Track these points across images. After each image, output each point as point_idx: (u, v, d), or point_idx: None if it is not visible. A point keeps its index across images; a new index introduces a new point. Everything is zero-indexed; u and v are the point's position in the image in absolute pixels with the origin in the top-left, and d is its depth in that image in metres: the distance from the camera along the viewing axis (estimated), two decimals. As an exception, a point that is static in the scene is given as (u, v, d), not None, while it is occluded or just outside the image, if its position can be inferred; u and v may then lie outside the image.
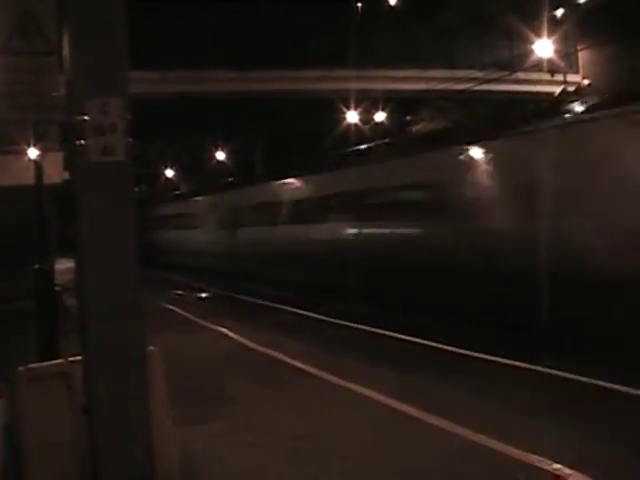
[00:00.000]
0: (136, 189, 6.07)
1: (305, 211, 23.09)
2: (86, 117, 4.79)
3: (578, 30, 30.89)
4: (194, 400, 9.06)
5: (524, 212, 13.13)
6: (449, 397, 9.03)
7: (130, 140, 4.90)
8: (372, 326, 14.53)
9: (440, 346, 12.20)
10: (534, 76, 30.81)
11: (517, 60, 30.15)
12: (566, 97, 23.08)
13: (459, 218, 15.02)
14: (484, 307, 13.69)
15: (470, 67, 30.07)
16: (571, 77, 31.29)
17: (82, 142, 4.80)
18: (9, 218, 18.25)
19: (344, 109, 31.76)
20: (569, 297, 11.66)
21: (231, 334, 14.64)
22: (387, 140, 25.70)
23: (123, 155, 4.87)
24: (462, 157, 15.39)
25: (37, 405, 5.44)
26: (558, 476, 6.13)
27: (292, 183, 25.13)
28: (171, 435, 5.71)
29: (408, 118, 36.25)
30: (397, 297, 17.00)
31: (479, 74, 28.63)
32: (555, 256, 12.03)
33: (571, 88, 29.40)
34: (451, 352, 11.77)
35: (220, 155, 45.31)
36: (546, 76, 30.62)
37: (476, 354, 11.31)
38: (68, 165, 5.54)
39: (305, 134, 36.61)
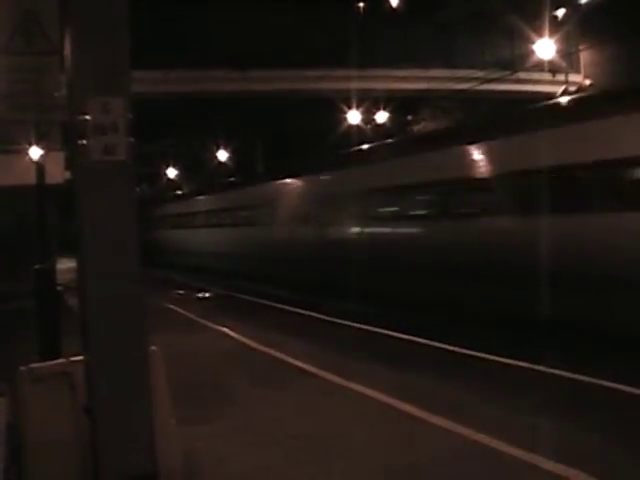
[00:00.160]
0: (137, 189, 6.08)
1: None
2: (88, 117, 4.79)
3: (579, 30, 30.90)
4: (196, 400, 9.06)
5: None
6: (450, 397, 9.04)
7: (132, 140, 4.90)
8: (373, 326, 14.53)
9: (441, 346, 12.20)
10: (535, 76, 30.83)
11: (518, 60, 30.17)
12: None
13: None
14: None
15: (471, 67, 30.09)
16: (572, 77, 31.29)
17: (84, 142, 4.80)
18: (11, 218, 18.27)
19: (345, 109, 31.77)
20: None
21: (232, 334, 14.64)
22: None
23: (125, 155, 4.88)
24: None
25: (39, 405, 5.44)
26: (560, 476, 6.14)
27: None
28: (173, 434, 5.72)
29: (409, 118, 36.27)
30: None
31: (480, 74, 28.64)
32: None
33: (572, 88, 29.42)
34: (452, 352, 11.77)
35: (222, 154, 45.33)
36: (547, 76, 30.65)
37: (477, 353, 11.31)
38: (70, 165, 5.54)
39: (306, 134, 36.63)
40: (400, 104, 32.39)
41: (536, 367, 10.02)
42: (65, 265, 18.31)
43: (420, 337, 12.94)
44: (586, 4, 28.43)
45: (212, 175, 47.57)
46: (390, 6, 30.38)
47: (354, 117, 32.19)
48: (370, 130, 32.26)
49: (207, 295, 24.35)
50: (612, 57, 29.86)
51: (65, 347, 9.37)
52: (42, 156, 10.61)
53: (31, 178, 10.86)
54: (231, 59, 28.83)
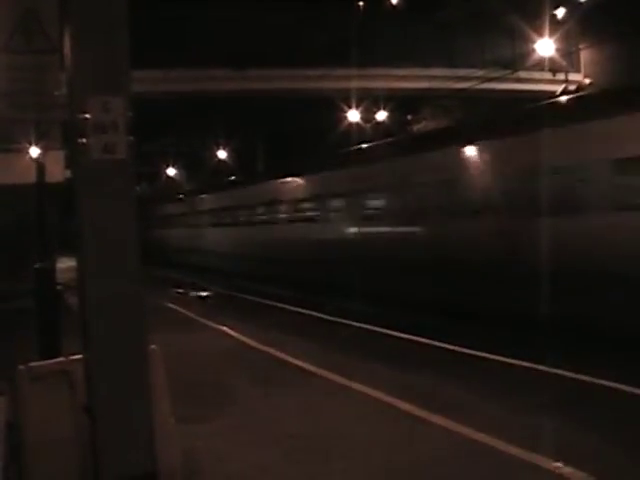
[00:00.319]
0: (137, 188, 6.08)
1: None
2: (88, 115, 4.79)
3: (579, 29, 30.90)
4: (195, 399, 9.06)
5: None
6: (451, 396, 9.04)
7: (131, 138, 4.90)
8: (374, 325, 14.53)
9: (442, 345, 12.21)
10: (536, 75, 30.83)
11: (519, 59, 30.16)
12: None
13: None
14: None
15: (472, 66, 30.08)
16: (572, 76, 31.28)
17: (83, 140, 4.80)
18: (11, 217, 18.25)
19: (345, 108, 31.76)
20: None
21: (233, 333, 14.64)
22: None
23: (124, 153, 4.87)
24: None
25: (38, 403, 5.44)
26: (559, 474, 6.14)
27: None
28: (173, 433, 5.71)
29: (409, 117, 36.26)
30: None
31: (480, 73, 28.64)
32: None
33: (572, 87, 29.42)
34: (452, 351, 11.78)
35: (222, 153, 45.33)
36: (548, 75, 30.65)
37: (477, 353, 11.32)
38: (70, 163, 5.54)
39: (306, 133, 36.62)
40: (400, 103, 32.39)
41: (537, 367, 10.03)
42: (65, 264, 18.32)
43: (420, 336, 12.95)
44: (586, 3, 28.42)
45: (212, 174, 47.55)
46: (390, 5, 30.35)
47: (354, 116, 32.18)
48: (370, 129, 32.25)
49: (207, 294, 24.35)
50: (612, 56, 29.86)
51: (65, 346, 9.35)
52: (42, 155, 10.60)
53: (31, 177, 10.85)
54: (231, 58, 28.83)
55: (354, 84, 29.07)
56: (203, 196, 38.76)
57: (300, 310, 18.02)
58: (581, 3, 28.80)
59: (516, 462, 6.50)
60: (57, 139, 10.71)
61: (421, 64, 30.85)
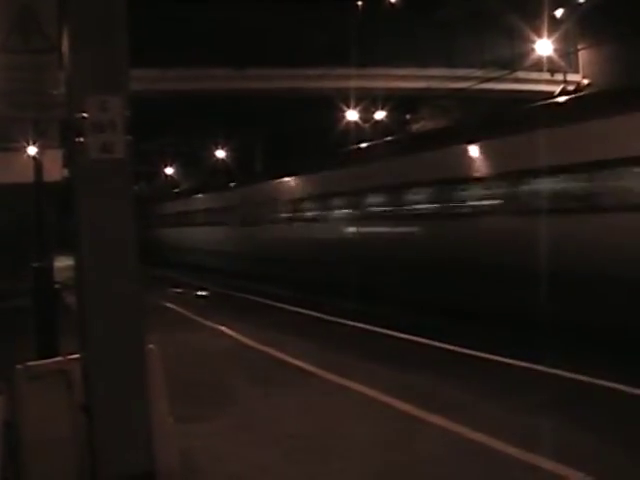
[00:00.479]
0: (136, 187, 6.07)
1: None
2: (86, 115, 4.79)
3: (578, 30, 30.92)
4: (194, 398, 9.06)
5: None
6: (449, 396, 9.04)
7: (129, 138, 4.90)
8: (372, 324, 14.53)
9: (440, 345, 12.20)
10: (534, 75, 30.83)
11: (517, 59, 30.17)
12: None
13: None
14: None
15: (470, 66, 30.09)
16: (571, 76, 31.30)
17: (81, 139, 4.80)
18: (9, 215, 18.24)
19: (344, 107, 31.77)
20: None
21: (231, 332, 14.64)
22: None
23: (122, 153, 4.87)
24: None
25: (36, 403, 5.43)
26: (557, 474, 6.14)
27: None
28: (171, 433, 5.71)
29: (408, 117, 36.27)
30: None
31: (479, 73, 28.65)
32: None
33: (571, 87, 29.42)
34: (451, 351, 11.78)
35: (220, 153, 45.36)
36: (546, 75, 30.66)
37: (476, 353, 11.31)
38: (68, 163, 5.53)
39: (305, 132, 36.63)
40: (399, 103, 32.40)
41: (535, 367, 10.02)
42: (63, 263, 18.31)
43: (419, 336, 12.95)
44: (585, 4, 28.44)
45: (211, 173, 47.55)
46: (389, 4, 30.37)
47: (352, 116, 32.21)
48: (369, 129, 32.27)
49: (205, 293, 24.33)
50: (610, 57, 29.88)
51: (63, 345, 9.34)
52: (40, 154, 10.60)
53: (29, 176, 10.84)
54: (230, 57, 28.82)
55: (353, 84, 29.07)
56: (200, 195, 38.74)
57: (298, 310, 18.01)
58: (580, 4, 28.83)
59: (514, 462, 6.49)
60: (55, 138, 10.70)
61: (420, 64, 30.85)
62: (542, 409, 8.05)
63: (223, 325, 15.47)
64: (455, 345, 11.94)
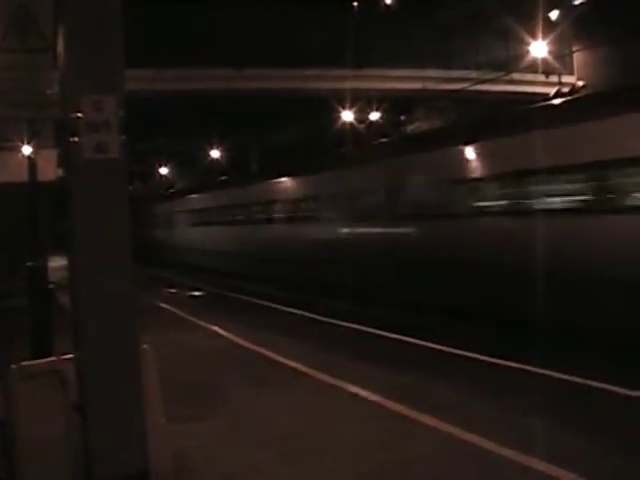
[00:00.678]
0: (130, 187, 6.07)
1: None
2: (80, 114, 4.79)
3: (573, 31, 30.97)
4: (187, 398, 9.07)
5: None
6: (440, 396, 9.05)
7: (124, 138, 4.90)
8: (364, 325, 14.54)
9: (432, 345, 12.22)
10: (529, 77, 30.88)
11: (512, 61, 30.22)
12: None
13: None
14: None
15: (466, 67, 30.14)
16: (566, 78, 31.35)
17: (76, 139, 4.79)
18: (4, 215, 18.21)
19: (339, 108, 31.80)
20: None
21: (224, 333, 14.64)
22: None
23: (117, 153, 4.87)
24: None
25: (30, 403, 5.44)
26: (549, 475, 6.15)
27: None
28: (165, 433, 5.71)
29: (402, 118, 36.31)
30: None
31: (474, 74, 28.69)
32: None
33: (566, 89, 29.48)
34: (442, 351, 11.79)
35: (215, 153, 45.35)
36: (541, 77, 30.73)
37: (467, 353, 11.33)
38: (62, 162, 5.53)
39: (301, 133, 36.66)
40: (394, 104, 32.44)
41: (526, 367, 10.04)
42: (57, 263, 18.30)
43: (410, 336, 12.96)
44: (579, 6, 28.49)
45: (206, 173, 47.53)
46: (385, 5, 30.41)
47: (348, 116, 32.25)
48: (364, 129, 32.30)
49: (199, 294, 24.33)
50: (605, 59, 29.93)
51: (57, 345, 9.34)
52: (34, 153, 10.59)
53: (24, 175, 10.83)
54: (227, 57, 28.82)
55: (349, 84, 29.11)
56: (194, 195, 38.70)
57: (291, 310, 18.01)
58: (575, 6, 28.88)
59: (507, 463, 6.51)
60: (50, 138, 10.69)
61: (416, 65, 30.87)
62: (534, 410, 8.07)
63: (216, 325, 15.47)
64: (446, 345, 11.96)
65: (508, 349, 11.03)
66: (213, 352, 12.83)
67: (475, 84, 28.09)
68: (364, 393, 9.15)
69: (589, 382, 9.05)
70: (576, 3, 28.88)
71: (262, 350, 12.45)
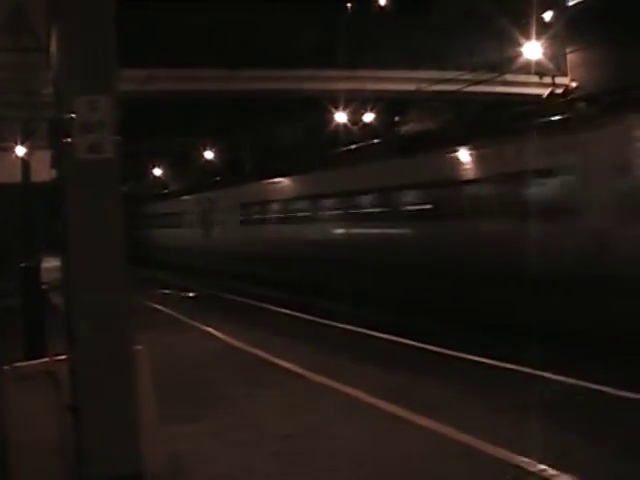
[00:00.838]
0: (125, 187, 6.06)
1: None
2: (74, 115, 4.78)
3: (566, 33, 31.00)
4: (181, 399, 9.06)
5: None
6: (434, 397, 9.06)
7: (118, 138, 4.89)
8: (359, 326, 14.55)
9: (426, 346, 12.23)
10: (522, 78, 30.86)
11: (506, 62, 30.24)
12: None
13: None
14: None
15: (460, 68, 30.14)
16: (559, 79, 31.37)
17: (70, 140, 4.78)
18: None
19: (332, 109, 31.79)
20: None
21: (218, 334, 14.63)
22: None
23: (111, 153, 4.86)
24: None
25: (23, 404, 5.43)
26: (544, 477, 6.16)
27: None
28: (159, 434, 5.71)
29: (396, 119, 36.31)
30: None
31: (468, 76, 28.69)
32: None
33: (559, 90, 29.50)
34: (437, 352, 11.80)
35: (209, 154, 45.32)
36: (534, 78, 30.71)
37: (461, 354, 11.35)
38: (56, 163, 5.52)
39: (294, 134, 36.65)
40: (389, 105, 32.44)
41: (520, 368, 10.05)
42: (51, 264, 18.28)
43: (404, 337, 12.97)
44: (573, 7, 28.53)
45: (200, 174, 47.51)
46: (379, 7, 30.44)
47: (341, 118, 32.25)
48: (358, 131, 32.30)
49: (193, 295, 24.32)
50: (599, 60, 29.96)
51: (50, 346, 9.33)
52: (28, 154, 10.57)
53: (17, 176, 10.82)
54: (220, 58, 28.79)
55: (343, 85, 29.10)
56: (188, 197, 38.66)
57: (286, 311, 18.01)
58: (569, 7, 28.92)
59: (499, 463, 6.52)
60: (44, 138, 10.67)
61: (410, 66, 30.86)
62: (527, 410, 8.08)
63: (210, 326, 15.46)
64: (438, 346, 11.98)
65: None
66: (207, 353, 12.82)
67: (469, 85, 28.10)
68: (359, 394, 9.15)
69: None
70: (570, 4, 28.91)
71: (256, 351, 12.45)
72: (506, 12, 27.58)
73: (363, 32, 29.81)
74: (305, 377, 10.35)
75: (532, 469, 6.30)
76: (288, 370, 10.88)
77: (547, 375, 9.57)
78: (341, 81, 28.85)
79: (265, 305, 19.53)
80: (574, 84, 31.75)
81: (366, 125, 32.95)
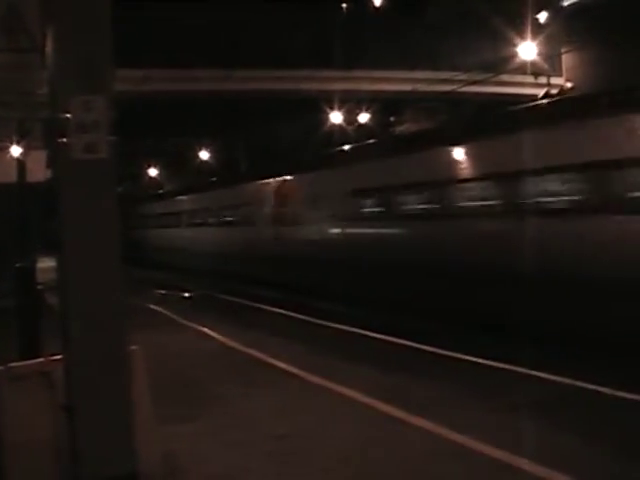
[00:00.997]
0: (120, 188, 6.07)
1: None
2: (69, 115, 4.78)
3: (562, 33, 31.04)
4: (176, 399, 9.06)
5: None
6: (429, 397, 9.06)
7: (113, 138, 4.89)
8: (354, 326, 14.55)
9: (421, 347, 12.23)
10: (518, 78, 30.90)
11: (501, 62, 30.26)
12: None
13: None
14: None
15: (455, 69, 30.16)
16: (554, 80, 31.41)
17: (65, 140, 4.78)
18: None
19: (327, 110, 31.79)
20: None
21: (214, 334, 14.62)
22: None
23: (106, 153, 4.86)
24: None
25: (18, 404, 5.42)
26: (539, 477, 6.17)
27: None
28: (154, 434, 5.70)
29: (392, 119, 36.33)
30: None
31: (464, 76, 28.72)
32: None
33: (554, 90, 29.56)
34: (432, 353, 11.81)
35: (205, 154, 45.30)
36: (530, 79, 30.74)
37: (456, 354, 11.35)
38: (51, 163, 5.52)
39: (290, 134, 36.65)
40: (384, 105, 32.44)
41: (515, 368, 10.06)
42: (46, 264, 18.26)
43: (399, 338, 12.97)
44: (568, 7, 28.57)
45: (195, 174, 47.49)
46: (374, 7, 30.45)
47: (336, 118, 32.24)
48: (353, 131, 32.30)
49: (189, 295, 24.30)
50: (594, 60, 30.01)
51: (45, 346, 9.32)
52: (24, 154, 10.57)
53: (13, 176, 10.81)
54: (215, 58, 28.78)
55: (339, 86, 29.12)
56: (182, 197, 38.61)
57: (281, 311, 18.01)
58: (563, 7, 28.96)
59: (494, 463, 6.53)
60: (39, 138, 10.67)
61: (406, 66, 30.88)
62: (522, 410, 8.09)
63: (206, 327, 15.46)
64: (432, 346, 11.98)
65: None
66: (202, 353, 12.81)
67: (464, 85, 28.13)
68: (354, 394, 9.15)
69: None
70: (565, 4, 28.95)
71: (251, 351, 12.45)
72: (501, 12, 27.61)
73: (358, 32, 29.82)
74: (300, 377, 10.36)
75: (527, 469, 6.31)
76: (283, 370, 10.88)
77: (541, 375, 9.59)
78: (337, 81, 28.87)
79: (260, 305, 19.52)
80: (569, 84, 31.80)
81: (361, 126, 32.93)
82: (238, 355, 12.45)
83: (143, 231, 43.92)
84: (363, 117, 33.16)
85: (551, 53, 30.14)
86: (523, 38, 26.92)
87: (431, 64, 30.96)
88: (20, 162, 10.63)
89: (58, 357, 5.28)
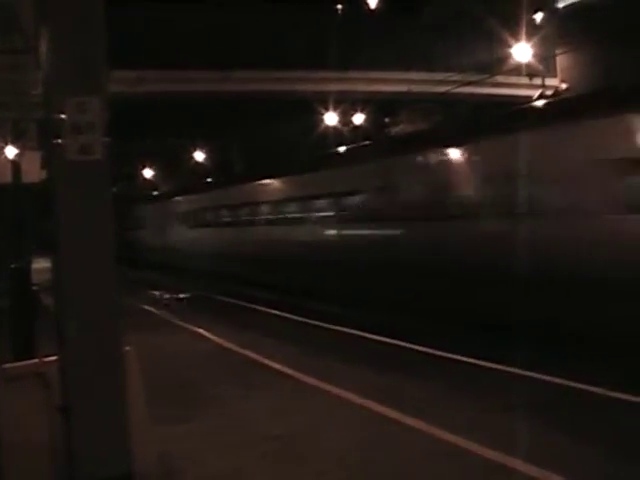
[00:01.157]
0: (115, 188, 6.07)
1: None
2: (64, 116, 4.78)
3: (556, 34, 31.10)
4: (171, 400, 9.06)
5: None
6: (423, 398, 9.07)
7: (108, 139, 4.89)
8: (350, 327, 14.56)
9: (416, 347, 12.24)
10: (513, 79, 30.95)
11: (496, 63, 30.30)
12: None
13: None
14: None
15: (450, 70, 30.20)
16: (549, 81, 31.46)
17: (59, 141, 4.78)
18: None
19: (322, 111, 31.79)
20: None
21: (209, 335, 14.62)
22: None
23: (100, 154, 4.87)
24: None
25: (13, 405, 5.42)
26: (532, 477, 6.18)
27: None
28: (149, 435, 5.70)
29: (387, 120, 36.35)
30: None
31: (459, 77, 28.77)
32: None
33: (549, 92, 29.60)
34: (427, 353, 11.82)
35: (199, 155, 45.30)
36: (525, 80, 30.79)
37: (451, 355, 11.36)
38: (46, 164, 5.52)
39: (285, 135, 36.65)
40: (379, 106, 32.46)
41: (509, 369, 10.07)
42: (41, 265, 18.24)
43: (394, 339, 12.98)
44: (563, 8, 28.63)
45: (190, 175, 47.49)
46: (368, 9, 30.49)
47: (331, 119, 32.22)
48: (348, 132, 32.32)
49: (184, 296, 24.29)
50: (589, 61, 30.06)
51: (40, 347, 9.32)
52: (18, 155, 10.56)
53: (7, 177, 10.81)
54: (211, 60, 28.77)
55: (335, 87, 29.14)
56: (178, 198, 38.57)
57: (277, 312, 18.01)
58: (558, 8, 29.02)
59: (487, 463, 6.54)
60: (34, 139, 10.67)
61: (401, 67, 30.90)
62: (516, 410, 8.10)
63: (201, 328, 15.46)
64: (427, 347, 11.99)
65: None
66: (198, 354, 12.81)
67: (460, 86, 28.17)
68: (349, 395, 9.15)
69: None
70: (560, 6, 29.01)
71: (247, 352, 12.45)
72: (496, 13, 27.65)
73: (354, 33, 29.83)
74: (295, 378, 10.36)
75: (521, 469, 6.32)
76: (278, 371, 10.89)
77: (535, 375, 9.60)
78: (332, 82, 28.90)
79: (256, 306, 19.52)
80: (564, 85, 31.86)
81: (357, 127, 32.95)
82: (234, 356, 12.45)
83: (138, 231, 43.88)
84: (358, 118, 33.16)
85: (546, 54, 30.19)
86: (518, 39, 26.95)
87: (426, 65, 31.01)
88: (15, 163, 10.62)
89: (53, 358, 5.28)
